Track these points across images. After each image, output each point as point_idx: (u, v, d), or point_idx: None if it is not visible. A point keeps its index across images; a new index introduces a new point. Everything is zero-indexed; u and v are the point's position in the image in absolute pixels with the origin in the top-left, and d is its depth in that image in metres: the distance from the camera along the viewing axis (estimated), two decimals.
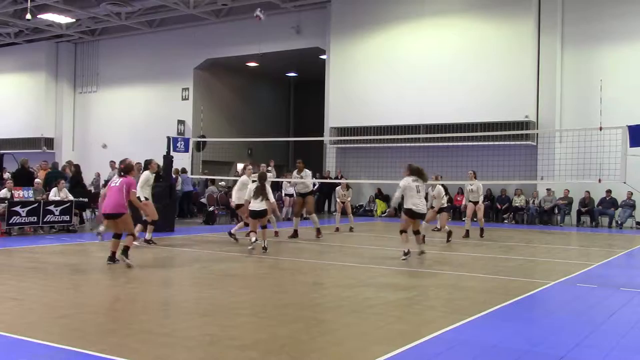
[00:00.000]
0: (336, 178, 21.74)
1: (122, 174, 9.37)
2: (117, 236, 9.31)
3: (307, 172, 14.42)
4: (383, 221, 21.63)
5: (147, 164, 12.24)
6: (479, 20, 21.50)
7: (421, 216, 10.80)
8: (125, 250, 9.17)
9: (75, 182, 16.50)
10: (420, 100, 21.85)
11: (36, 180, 15.22)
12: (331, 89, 24.14)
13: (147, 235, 12.14)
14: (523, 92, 20.62)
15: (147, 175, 11.92)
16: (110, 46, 30.08)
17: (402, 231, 10.69)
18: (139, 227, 11.64)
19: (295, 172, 14.61)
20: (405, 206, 10.62)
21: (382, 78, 22.83)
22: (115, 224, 9.22)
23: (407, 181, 10.55)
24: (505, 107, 20.45)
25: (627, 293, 7.96)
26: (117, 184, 9.22)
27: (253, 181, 11.83)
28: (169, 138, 16.39)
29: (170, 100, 27.92)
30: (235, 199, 12.88)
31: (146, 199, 11.65)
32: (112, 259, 9.27)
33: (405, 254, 10.42)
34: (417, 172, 10.72)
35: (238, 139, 25.71)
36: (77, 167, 17.42)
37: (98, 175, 22.52)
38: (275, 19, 25.34)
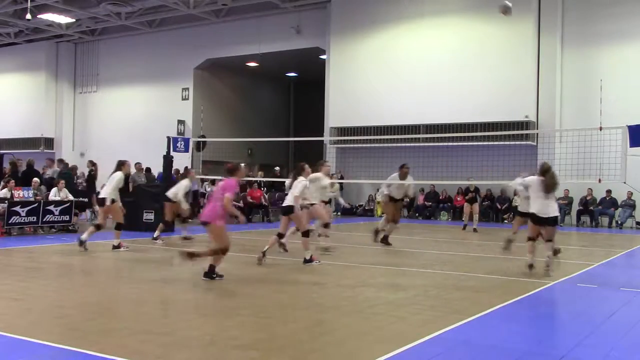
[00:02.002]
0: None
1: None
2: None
3: (409, 179, 13.07)
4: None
5: (121, 165, 11.50)
6: (479, 20, 21.48)
7: (550, 222, 9.15)
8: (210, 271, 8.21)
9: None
10: (420, 100, 21.85)
11: (35, 179, 15.21)
12: (331, 89, 24.13)
13: (115, 242, 11.22)
14: (523, 92, 20.62)
15: (120, 176, 11.27)
16: (110, 46, 30.06)
17: (530, 238, 9.31)
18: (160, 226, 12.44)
19: (395, 175, 13.00)
20: (529, 210, 9.41)
21: (382, 78, 22.82)
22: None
23: (535, 179, 9.37)
24: (505, 107, 20.44)
25: (627, 293, 7.96)
26: None
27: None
28: (169, 138, 16.39)
29: (170, 100, 27.90)
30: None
31: (113, 201, 11.08)
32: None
33: (529, 266, 9.11)
34: (547, 173, 9.25)
35: (238, 139, 25.70)
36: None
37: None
38: (275, 19, 25.36)
